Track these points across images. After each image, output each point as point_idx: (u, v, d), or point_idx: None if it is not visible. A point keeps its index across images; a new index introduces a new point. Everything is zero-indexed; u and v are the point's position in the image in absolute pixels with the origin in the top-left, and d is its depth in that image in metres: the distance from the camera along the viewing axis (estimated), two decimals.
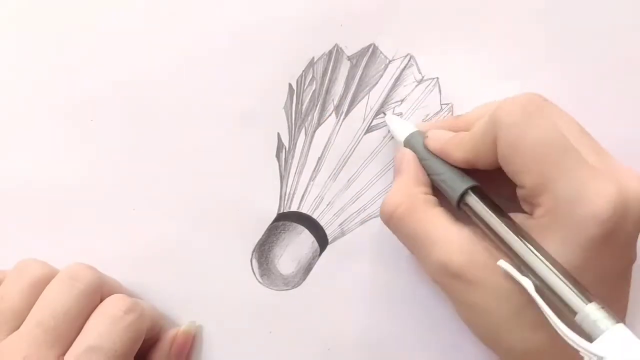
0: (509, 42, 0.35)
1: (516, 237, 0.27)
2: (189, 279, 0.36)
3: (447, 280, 0.29)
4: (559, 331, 0.25)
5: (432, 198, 0.31)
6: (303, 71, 0.36)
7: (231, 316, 0.35)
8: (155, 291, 0.35)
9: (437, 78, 0.35)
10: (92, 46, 0.36)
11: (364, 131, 0.36)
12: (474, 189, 0.30)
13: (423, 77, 0.35)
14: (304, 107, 0.36)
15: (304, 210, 0.36)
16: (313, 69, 0.36)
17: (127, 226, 0.36)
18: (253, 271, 0.36)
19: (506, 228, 0.28)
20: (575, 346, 0.24)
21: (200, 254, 0.36)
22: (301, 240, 0.36)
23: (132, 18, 0.36)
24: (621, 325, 0.24)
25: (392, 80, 0.36)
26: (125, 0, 0.36)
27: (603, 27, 0.35)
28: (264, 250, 0.36)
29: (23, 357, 0.29)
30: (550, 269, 0.26)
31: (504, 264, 0.27)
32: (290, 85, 0.36)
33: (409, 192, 0.31)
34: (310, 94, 0.36)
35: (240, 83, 0.36)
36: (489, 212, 0.28)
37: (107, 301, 0.31)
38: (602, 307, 0.24)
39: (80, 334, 0.30)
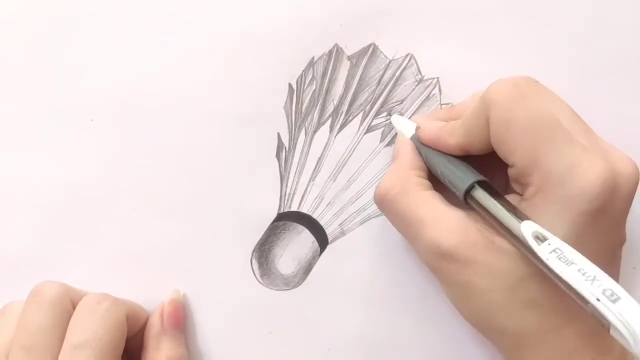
0: (509, 42, 0.35)
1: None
2: (188, 279, 0.36)
3: (438, 261, 0.29)
4: (570, 282, 0.24)
5: (425, 181, 0.31)
6: (303, 71, 0.36)
7: (231, 316, 0.35)
8: (155, 291, 0.35)
9: (437, 78, 0.35)
10: (92, 46, 0.36)
11: (364, 131, 0.36)
12: (480, 183, 0.29)
13: (423, 77, 0.35)
14: (304, 107, 0.36)
15: (304, 210, 0.36)
16: (313, 69, 0.36)
17: (127, 226, 0.36)
18: (253, 271, 0.35)
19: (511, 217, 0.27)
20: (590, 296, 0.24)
21: (200, 254, 0.36)
22: (301, 240, 0.36)
23: (132, 18, 0.36)
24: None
25: (392, 80, 0.36)
26: (125, 1, 0.36)
27: (603, 27, 0.35)
28: (264, 250, 0.36)
29: None
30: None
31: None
32: (290, 85, 0.36)
33: (402, 175, 0.31)
34: (310, 94, 0.36)
35: (241, 83, 0.36)
36: (497, 204, 0.28)
37: (79, 302, 0.32)
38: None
39: (65, 338, 0.31)
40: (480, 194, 0.29)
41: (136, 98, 0.36)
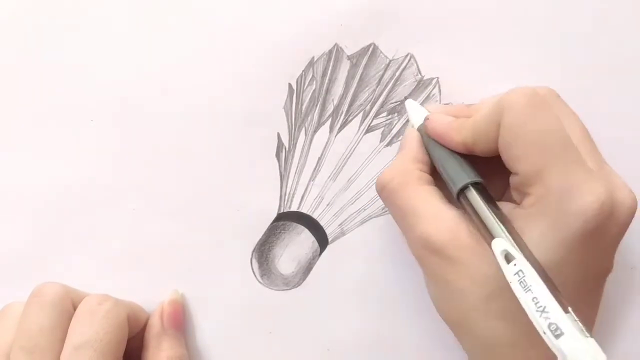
0: (509, 42, 0.35)
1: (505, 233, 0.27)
2: (188, 279, 0.36)
3: (426, 255, 0.29)
4: (532, 318, 0.24)
5: (426, 176, 0.31)
6: (303, 71, 0.36)
7: (231, 316, 0.35)
8: (155, 291, 0.35)
9: (437, 78, 0.35)
10: (92, 46, 0.36)
11: (364, 131, 0.36)
12: (475, 185, 0.29)
13: (423, 77, 0.35)
14: (304, 107, 0.36)
15: (304, 210, 0.36)
16: (313, 69, 0.36)
17: (127, 226, 0.36)
18: (253, 271, 0.36)
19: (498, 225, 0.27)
20: (546, 338, 0.24)
21: (200, 254, 0.36)
22: (301, 240, 0.36)
23: (133, 18, 0.36)
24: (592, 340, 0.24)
25: (392, 80, 0.36)
26: (125, 1, 0.36)
27: (603, 27, 0.35)
28: (264, 250, 0.36)
29: None
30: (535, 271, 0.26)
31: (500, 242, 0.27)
32: (290, 85, 0.36)
33: (405, 167, 0.31)
34: (310, 93, 0.36)
35: (241, 83, 0.36)
36: (486, 209, 0.28)
37: (80, 303, 0.32)
38: (576, 320, 0.24)
39: (65, 339, 0.31)
40: (472, 196, 0.29)
41: (136, 98, 0.36)
